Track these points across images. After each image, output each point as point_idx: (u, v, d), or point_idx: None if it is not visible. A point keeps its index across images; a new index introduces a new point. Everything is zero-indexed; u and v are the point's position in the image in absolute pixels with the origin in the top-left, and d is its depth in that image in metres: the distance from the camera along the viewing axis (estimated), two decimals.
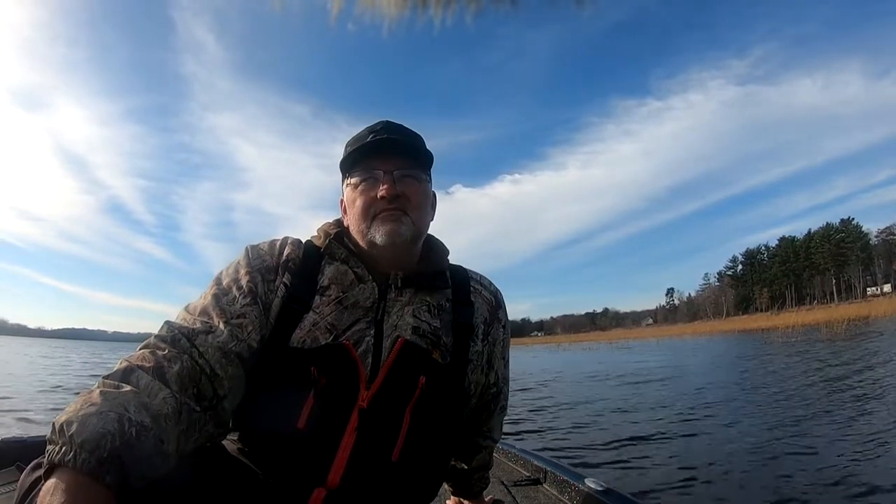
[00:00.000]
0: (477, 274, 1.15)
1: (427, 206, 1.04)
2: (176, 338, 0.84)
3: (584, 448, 4.55)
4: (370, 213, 0.97)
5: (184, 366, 0.80)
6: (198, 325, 0.87)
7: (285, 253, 1.00)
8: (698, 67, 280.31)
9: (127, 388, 0.73)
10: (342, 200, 1.06)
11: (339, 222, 1.08)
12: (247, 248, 1.01)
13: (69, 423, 0.66)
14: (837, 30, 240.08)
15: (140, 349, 0.82)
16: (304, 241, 1.05)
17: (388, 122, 1.03)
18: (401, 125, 1.04)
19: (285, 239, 1.04)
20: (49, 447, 0.65)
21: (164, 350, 0.81)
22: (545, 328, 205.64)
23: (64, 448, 0.64)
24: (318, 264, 1.00)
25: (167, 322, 0.89)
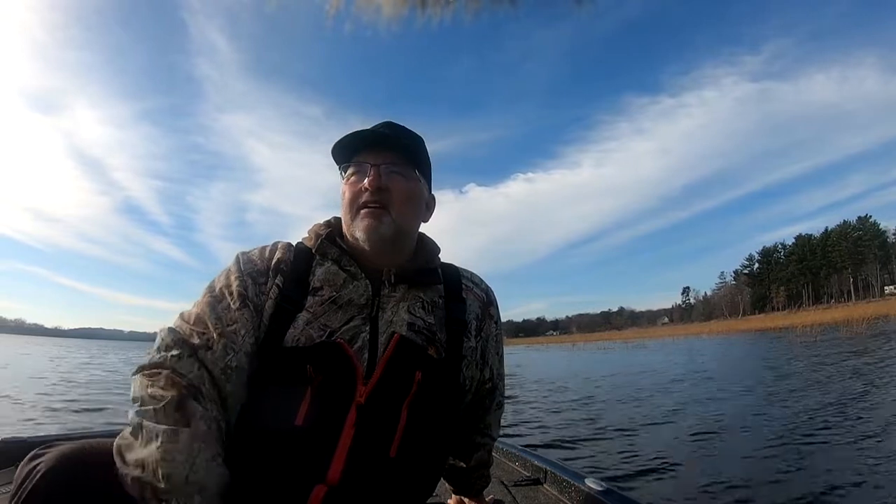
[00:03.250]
0: (468, 272, 1.15)
1: (415, 204, 1.03)
2: (186, 353, 0.86)
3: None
4: (355, 205, 0.98)
5: (207, 388, 0.84)
6: (195, 338, 0.88)
7: (276, 257, 1.00)
8: (712, 64, 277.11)
9: (202, 427, 0.78)
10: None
11: (328, 223, 1.08)
12: (238, 254, 1.02)
13: (189, 475, 0.73)
14: (852, 24, 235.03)
15: (157, 367, 0.84)
16: (294, 243, 1.06)
17: (389, 122, 1.05)
18: (401, 126, 1.05)
19: (276, 243, 1.05)
20: (167, 497, 0.72)
21: (191, 371, 0.84)
22: (560, 327, 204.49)
23: (188, 501, 0.73)
24: (310, 265, 1.00)
25: (170, 330, 0.90)
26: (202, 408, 0.80)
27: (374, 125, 1.04)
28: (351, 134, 0.99)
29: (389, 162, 0.98)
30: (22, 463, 0.74)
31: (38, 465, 0.72)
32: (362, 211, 0.97)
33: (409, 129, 1.06)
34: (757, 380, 9.28)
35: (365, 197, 0.97)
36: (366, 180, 0.96)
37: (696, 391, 8.42)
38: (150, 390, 0.80)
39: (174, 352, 0.85)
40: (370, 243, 0.97)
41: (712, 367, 13.30)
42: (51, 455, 0.74)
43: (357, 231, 0.97)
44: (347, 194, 0.99)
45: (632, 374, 13.08)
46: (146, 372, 0.83)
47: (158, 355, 0.85)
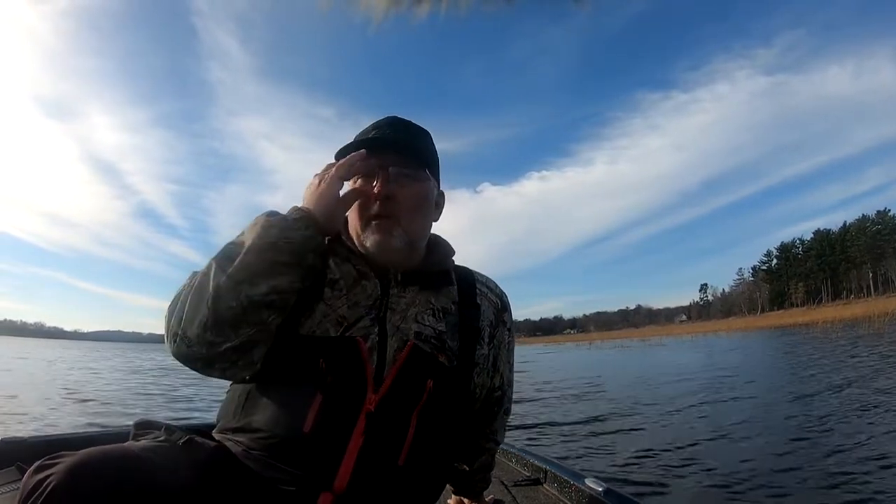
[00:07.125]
0: (483, 276, 1.10)
1: (425, 207, 0.98)
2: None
3: None
4: (364, 213, 0.93)
5: None
6: None
7: None
8: (724, 58, 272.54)
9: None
10: None
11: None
12: None
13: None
14: (865, 14, 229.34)
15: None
16: None
17: (394, 117, 1.00)
18: (407, 122, 1.00)
19: None
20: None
21: None
22: (578, 326, 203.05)
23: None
24: (326, 259, 0.95)
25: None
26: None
27: (378, 120, 1.00)
28: (356, 140, 0.95)
29: (397, 164, 0.93)
30: (27, 473, 0.67)
31: (47, 478, 0.64)
32: (373, 223, 0.92)
33: (415, 124, 1.01)
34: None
35: (375, 209, 0.92)
36: (375, 186, 0.92)
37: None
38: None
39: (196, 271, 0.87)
40: (381, 258, 0.93)
41: (757, 375, 10.79)
42: (60, 468, 0.65)
43: (368, 244, 0.92)
44: (354, 199, 0.95)
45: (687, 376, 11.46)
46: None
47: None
